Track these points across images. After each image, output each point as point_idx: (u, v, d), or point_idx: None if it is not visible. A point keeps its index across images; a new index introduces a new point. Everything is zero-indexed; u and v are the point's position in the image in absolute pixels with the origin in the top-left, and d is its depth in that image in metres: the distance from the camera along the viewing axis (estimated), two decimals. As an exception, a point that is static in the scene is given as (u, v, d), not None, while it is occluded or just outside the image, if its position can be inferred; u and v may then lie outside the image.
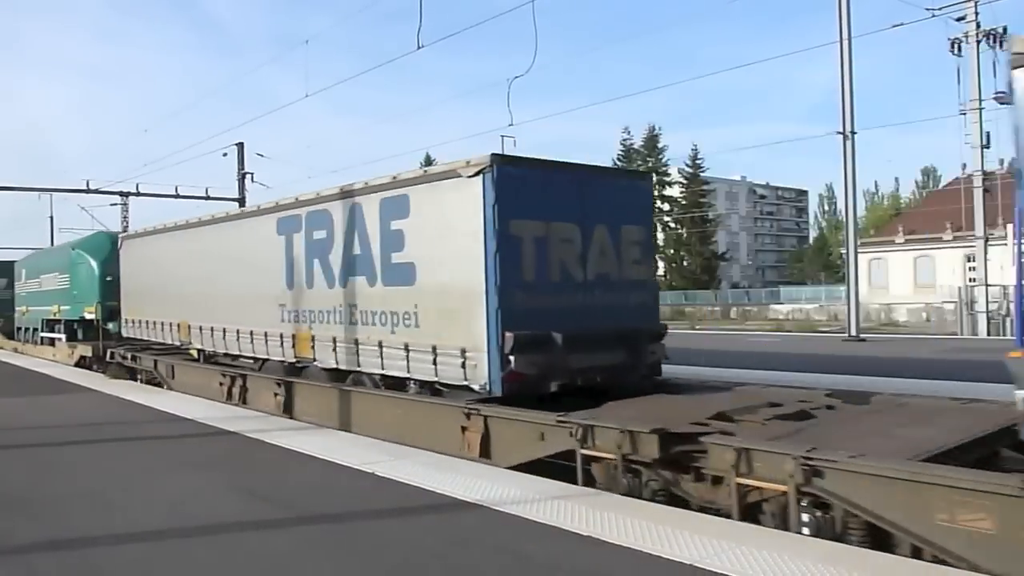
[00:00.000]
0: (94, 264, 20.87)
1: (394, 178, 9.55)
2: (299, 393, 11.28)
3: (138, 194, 38.72)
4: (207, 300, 14.10)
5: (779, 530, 5.39)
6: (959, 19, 26.21)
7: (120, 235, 19.97)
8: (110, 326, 19.16)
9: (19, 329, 29.30)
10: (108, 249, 20.49)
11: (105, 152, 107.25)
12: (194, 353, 15.29)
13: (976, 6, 25.71)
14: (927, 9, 23.89)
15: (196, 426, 10.20)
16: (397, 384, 9.75)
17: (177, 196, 36.73)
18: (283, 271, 11.62)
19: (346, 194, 10.38)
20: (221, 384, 13.02)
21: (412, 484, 6.65)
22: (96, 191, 38.12)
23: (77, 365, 19.97)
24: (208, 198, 35.75)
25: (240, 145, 35.45)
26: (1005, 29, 24.61)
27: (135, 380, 16.63)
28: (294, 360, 11.55)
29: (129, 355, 17.36)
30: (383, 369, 9.71)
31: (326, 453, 8.06)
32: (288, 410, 11.20)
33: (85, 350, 19.72)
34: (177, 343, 15.61)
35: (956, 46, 26.42)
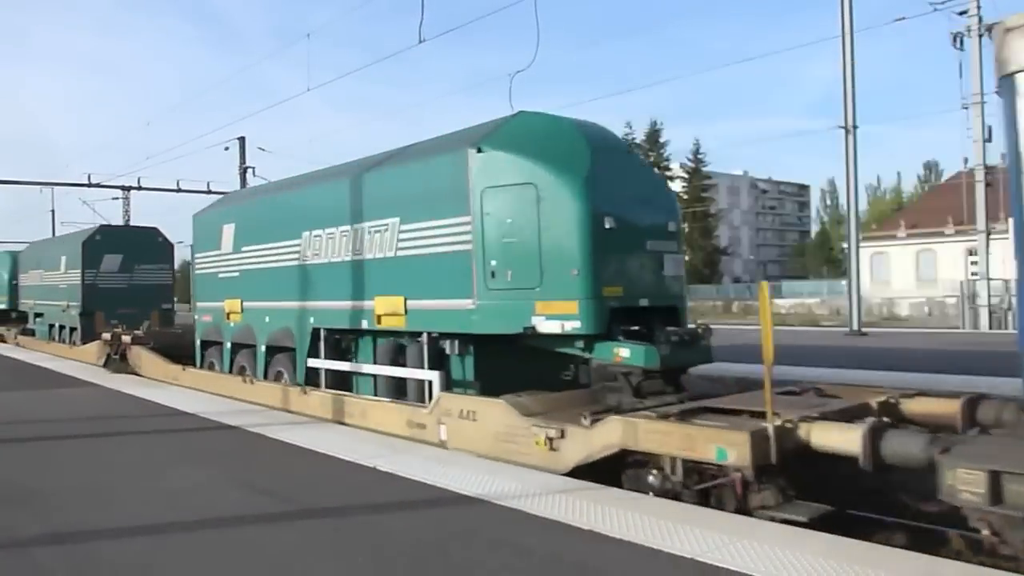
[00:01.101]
0: (564, 186, 7.83)
1: None
2: None
3: (139, 188, 38.84)
4: None
5: (781, 525, 5.40)
6: (961, 13, 26.12)
7: None
8: (626, 354, 7.56)
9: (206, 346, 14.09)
10: (587, 155, 8.19)
11: (107, 146, 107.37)
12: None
13: (978, 0, 25.65)
14: (930, 3, 23.84)
15: (197, 420, 10.21)
16: None
17: (179, 190, 36.92)
18: None
19: None
20: None
21: (413, 479, 6.66)
22: (97, 185, 38.17)
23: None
24: (210, 192, 35.75)
25: (242, 139, 35.38)
26: (1008, 22, 24.51)
27: None
28: None
29: None
30: None
31: (327, 447, 8.06)
32: None
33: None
34: None
35: (958, 40, 26.35)
